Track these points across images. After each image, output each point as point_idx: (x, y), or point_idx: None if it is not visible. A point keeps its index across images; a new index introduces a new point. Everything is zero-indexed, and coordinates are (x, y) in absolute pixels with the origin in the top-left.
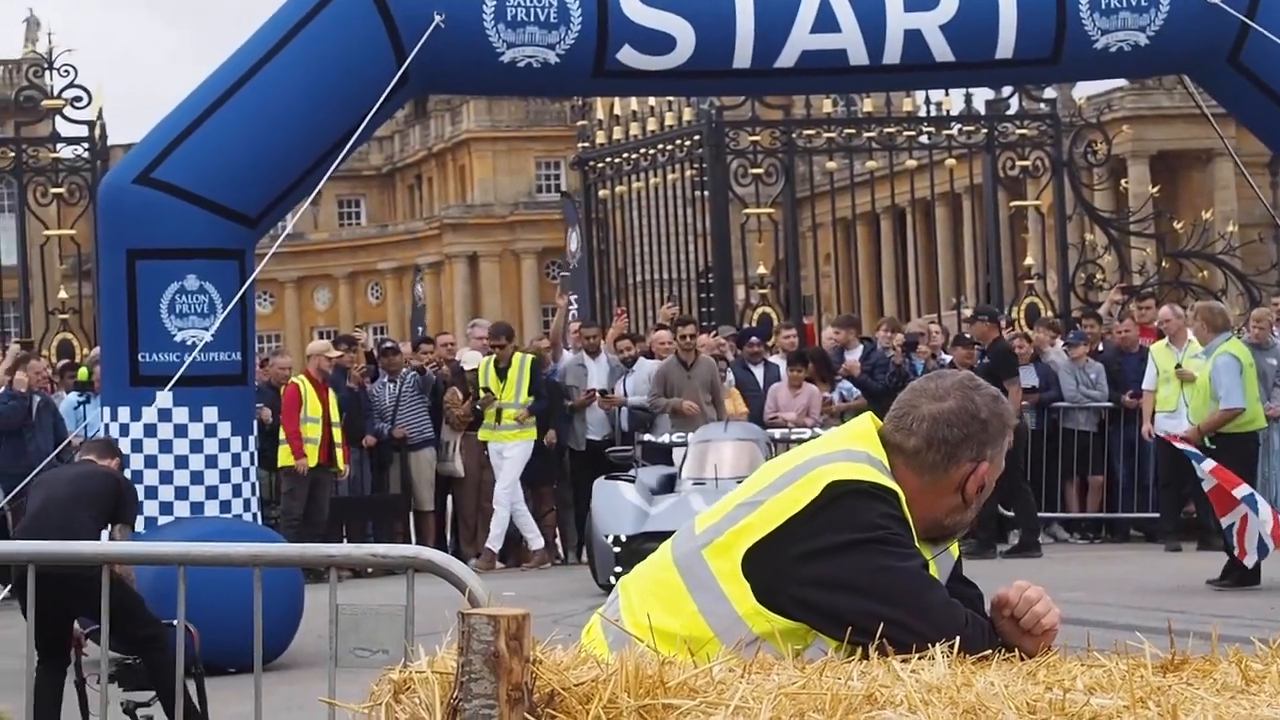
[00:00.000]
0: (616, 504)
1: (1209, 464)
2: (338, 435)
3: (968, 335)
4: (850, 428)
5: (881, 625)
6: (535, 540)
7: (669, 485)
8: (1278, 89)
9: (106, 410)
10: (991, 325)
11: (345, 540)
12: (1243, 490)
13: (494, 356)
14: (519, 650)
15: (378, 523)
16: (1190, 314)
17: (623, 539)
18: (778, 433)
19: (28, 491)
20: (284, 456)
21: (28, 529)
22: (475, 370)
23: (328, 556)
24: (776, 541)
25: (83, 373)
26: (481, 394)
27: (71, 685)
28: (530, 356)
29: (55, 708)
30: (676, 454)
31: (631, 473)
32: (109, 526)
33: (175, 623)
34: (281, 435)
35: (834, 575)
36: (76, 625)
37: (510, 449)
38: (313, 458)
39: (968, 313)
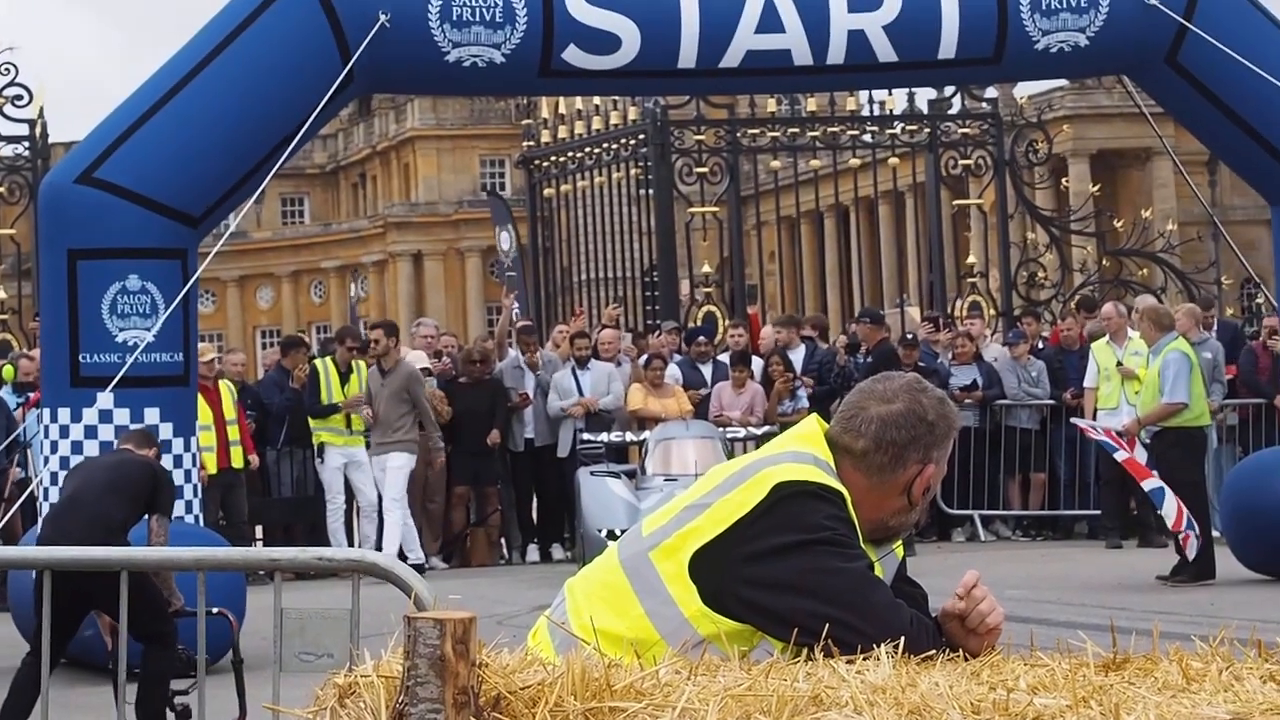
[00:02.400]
0: (606, 498)
1: (1122, 455)
2: (233, 433)
3: (909, 335)
4: (797, 430)
5: (827, 626)
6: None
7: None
8: (1215, 89)
9: (46, 411)
10: (875, 327)
11: (261, 543)
12: (1151, 483)
13: (333, 357)
14: (465, 654)
15: (294, 524)
16: (1135, 313)
17: (617, 533)
18: (729, 431)
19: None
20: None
21: (56, 515)
22: (421, 370)
23: (272, 560)
24: (723, 543)
25: (7, 371)
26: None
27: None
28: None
29: (34, 695)
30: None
31: (606, 467)
32: (146, 516)
33: (216, 611)
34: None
35: (779, 576)
36: (105, 617)
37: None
38: (211, 465)
39: (913, 311)
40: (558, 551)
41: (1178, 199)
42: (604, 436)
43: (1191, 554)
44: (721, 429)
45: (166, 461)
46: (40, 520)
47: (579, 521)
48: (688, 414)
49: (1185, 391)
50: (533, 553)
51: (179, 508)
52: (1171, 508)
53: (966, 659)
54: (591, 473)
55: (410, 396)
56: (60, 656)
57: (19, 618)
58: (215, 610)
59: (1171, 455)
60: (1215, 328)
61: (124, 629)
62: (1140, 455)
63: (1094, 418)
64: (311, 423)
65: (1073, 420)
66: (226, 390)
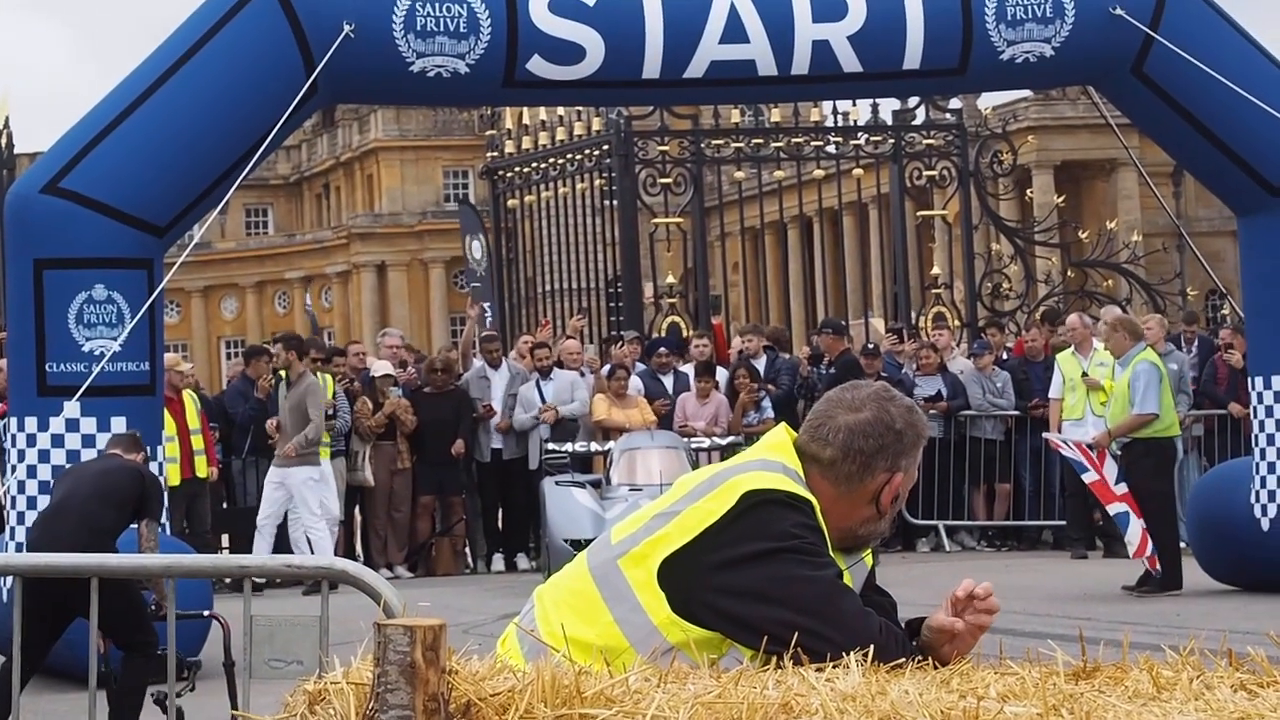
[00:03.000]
0: (571, 508)
1: (1090, 477)
2: (197, 443)
3: (870, 345)
4: (766, 439)
5: (796, 634)
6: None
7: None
8: (1180, 99)
9: (14, 420)
10: (837, 338)
11: (228, 551)
12: (1116, 508)
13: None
14: (435, 661)
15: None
16: (1101, 324)
17: (582, 542)
18: (693, 441)
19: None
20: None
21: (44, 521)
22: (386, 377)
23: (242, 567)
24: (692, 551)
25: None
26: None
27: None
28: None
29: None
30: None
31: (570, 477)
32: (135, 521)
33: (207, 614)
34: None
35: (749, 584)
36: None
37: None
38: (174, 476)
39: (877, 322)
40: (523, 561)
41: (1143, 210)
42: (568, 446)
43: (1157, 572)
44: (686, 439)
45: None
46: (28, 525)
47: (544, 531)
48: (651, 424)
49: (1156, 402)
50: (498, 562)
51: None
52: (1135, 533)
53: (936, 667)
54: (556, 482)
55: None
56: (40, 663)
57: None
58: (207, 613)
59: (1143, 465)
60: (1196, 341)
61: (94, 635)
62: (1110, 468)
63: (1059, 429)
64: None
65: (1045, 435)
66: (190, 400)
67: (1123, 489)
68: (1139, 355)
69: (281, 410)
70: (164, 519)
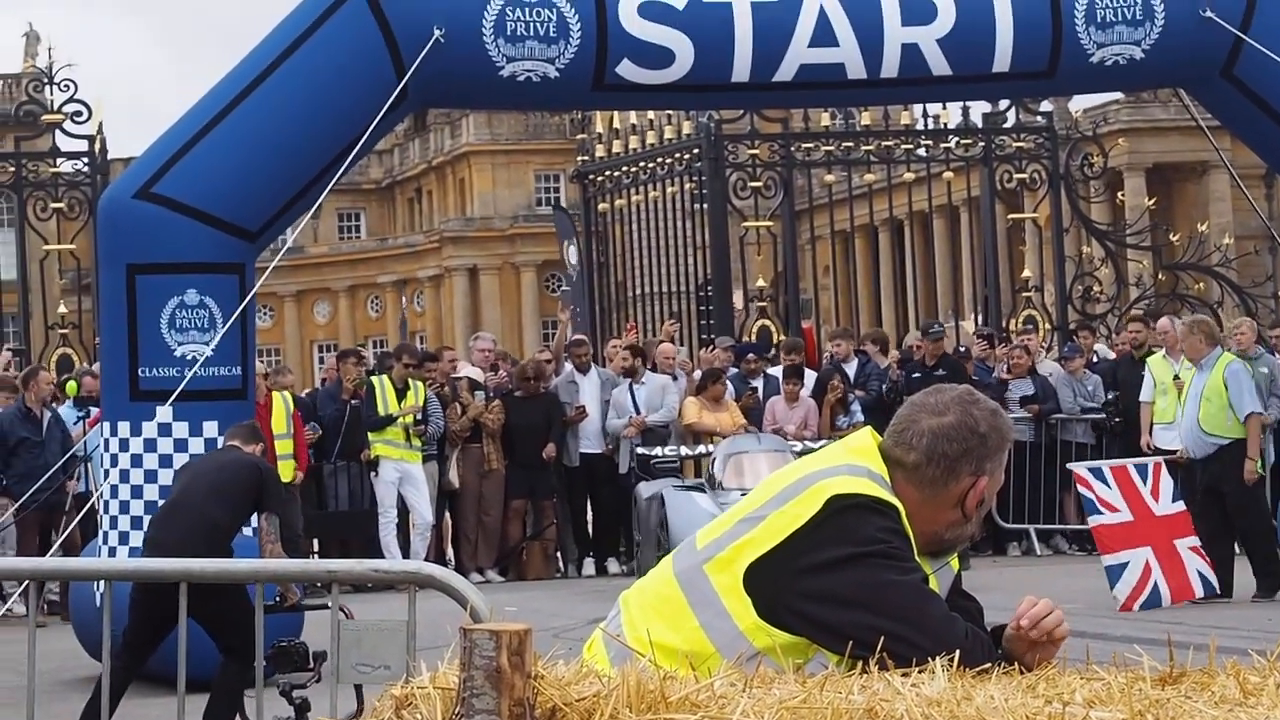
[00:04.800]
0: (694, 513)
1: (1095, 520)
2: (283, 447)
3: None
4: (850, 442)
5: (882, 639)
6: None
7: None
8: (1271, 102)
9: (106, 425)
10: (938, 342)
11: (316, 555)
12: (1111, 560)
13: (389, 374)
14: (521, 665)
15: (349, 538)
16: (1181, 326)
17: None
18: (797, 445)
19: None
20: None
21: (161, 520)
22: (469, 380)
23: (329, 572)
24: (778, 556)
25: (71, 387)
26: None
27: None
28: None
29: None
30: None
31: (681, 481)
32: (255, 515)
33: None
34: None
35: (835, 589)
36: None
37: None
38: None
39: (966, 325)
40: (613, 565)
41: (1234, 212)
42: (671, 450)
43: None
44: (797, 442)
45: None
46: (122, 530)
47: (663, 534)
48: (741, 427)
49: (1256, 401)
50: (588, 566)
51: None
52: (1126, 588)
53: (1022, 672)
54: (676, 487)
55: None
56: (141, 666)
57: (80, 628)
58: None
59: (1240, 471)
60: None
61: (183, 641)
62: (1167, 486)
63: (1150, 432)
64: (370, 436)
65: (1069, 465)
66: (280, 403)
67: (1178, 508)
68: (1224, 357)
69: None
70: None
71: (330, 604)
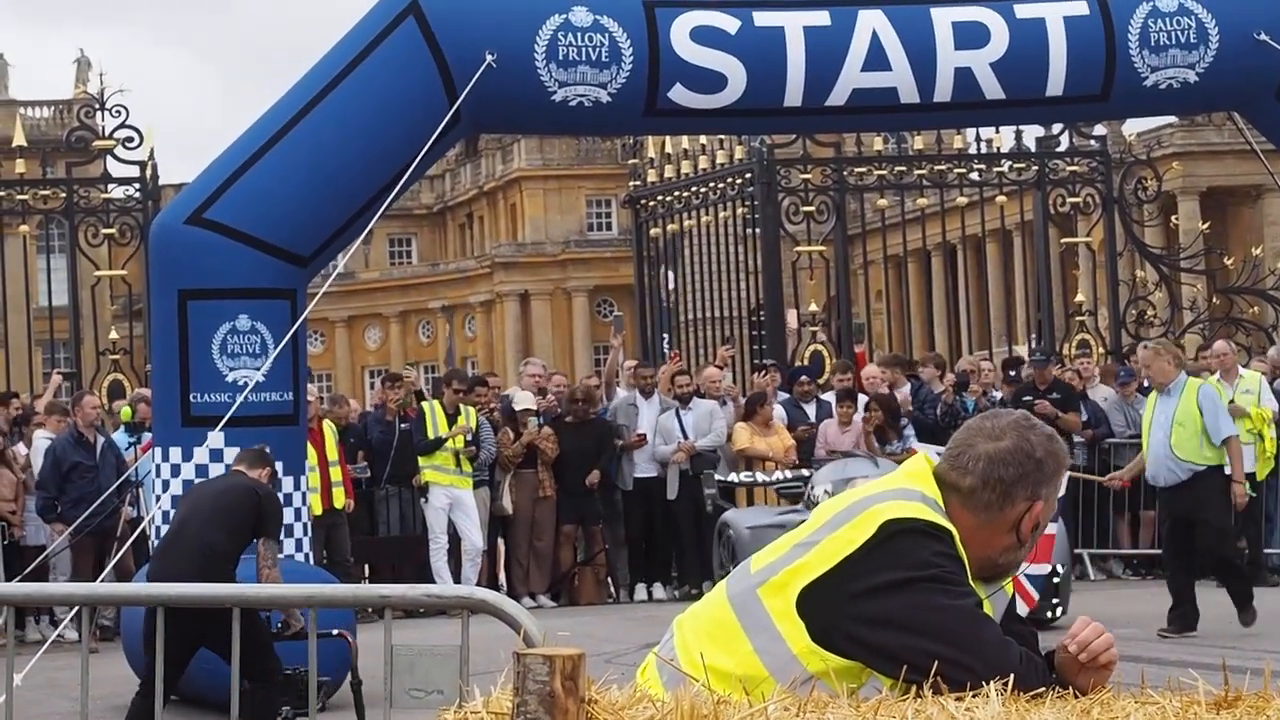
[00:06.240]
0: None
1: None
2: (335, 474)
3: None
4: (906, 467)
5: (936, 663)
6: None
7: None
8: None
9: (158, 450)
10: (1046, 368)
11: (367, 580)
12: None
13: (440, 400)
14: (574, 690)
15: (400, 562)
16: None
17: None
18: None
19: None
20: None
21: (162, 548)
22: (526, 410)
23: (383, 597)
24: (831, 580)
25: (125, 412)
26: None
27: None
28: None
29: None
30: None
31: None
32: (255, 540)
33: (336, 633)
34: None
35: (888, 613)
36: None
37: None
38: (316, 506)
39: (1019, 349)
40: (658, 590)
41: None
42: (758, 476)
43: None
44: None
45: None
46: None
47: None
48: (791, 450)
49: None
50: (640, 591)
51: (289, 545)
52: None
53: (1077, 697)
54: (778, 513)
55: None
56: (172, 692)
57: (130, 653)
58: (335, 632)
59: (1223, 500)
60: None
61: (236, 665)
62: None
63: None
64: (420, 462)
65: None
66: (330, 431)
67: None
68: (1191, 382)
69: None
70: (308, 549)
71: (384, 631)
